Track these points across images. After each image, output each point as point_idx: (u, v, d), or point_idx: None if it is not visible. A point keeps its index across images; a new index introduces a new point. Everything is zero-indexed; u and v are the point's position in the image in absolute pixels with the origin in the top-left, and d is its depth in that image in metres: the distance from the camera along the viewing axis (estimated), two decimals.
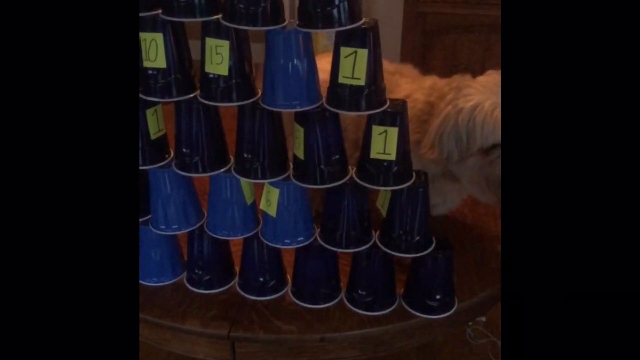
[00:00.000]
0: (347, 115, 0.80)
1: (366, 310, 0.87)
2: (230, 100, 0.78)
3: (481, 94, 0.84)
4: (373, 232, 0.87)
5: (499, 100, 0.83)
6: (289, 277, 0.93)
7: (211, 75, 0.78)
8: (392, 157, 0.78)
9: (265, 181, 0.83)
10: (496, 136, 0.82)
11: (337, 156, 0.81)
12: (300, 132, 0.80)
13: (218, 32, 0.75)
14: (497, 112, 0.82)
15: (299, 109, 0.78)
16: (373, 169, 0.80)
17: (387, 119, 0.78)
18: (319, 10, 0.71)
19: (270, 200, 0.84)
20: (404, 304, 0.89)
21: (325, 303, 0.89)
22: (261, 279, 0.90)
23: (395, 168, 0.79)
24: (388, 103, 0.78)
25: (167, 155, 0.88)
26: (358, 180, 0.81)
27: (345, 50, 0.74)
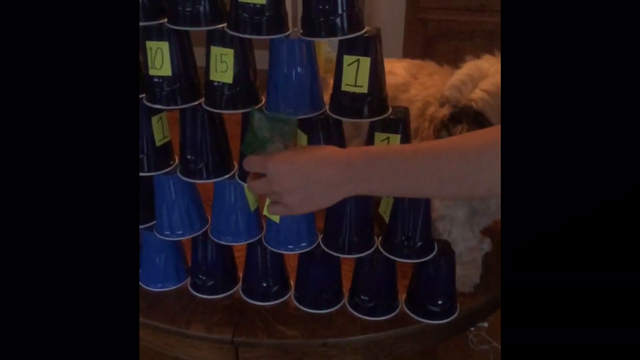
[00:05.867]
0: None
1: (368, 315, 0.88)
2: (235, 108, 0.79)
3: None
4: (375, 237, 0.88)
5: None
6: (292, 283, 0.94)
7: (216, 83, 0.79)
8: None
9: None
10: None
11: None
12: (303, 139, 0.81)
13: (223, 40, 0.77)
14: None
15: (302, 116, 0.79)
16: None
17: (389, 126, 0.79)
18: (322, 19, 0.72)
19: None
20: (406, 309, 0.89)
21: (328, 308, 0.90)
22: (264, 285, 0.91)
23: None
24: (390, 110, 0.79)
25: (171, 162, 0.89)
26: None
27: (348, 59, 0.75)
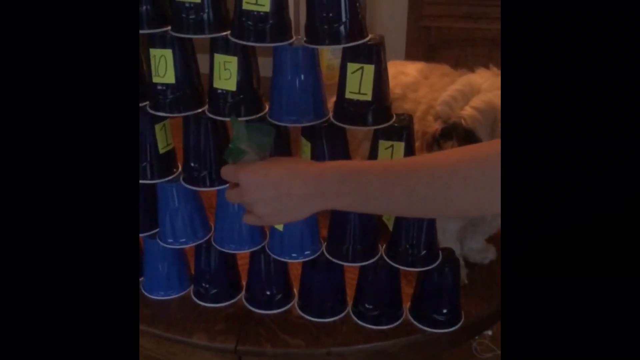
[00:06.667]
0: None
1: (373, 324, 0.87)
2: (238, 115, 0.79)
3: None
4: (379, 245, 0.87)
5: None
6: (295, 291, 0.93)
7: (219, 91, 0.79)
8: None
9: None
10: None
11: None
12: (307, 146, 0.81)
13: (226, 48, 0.76)
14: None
15: (306, 124, 0.79)
16: None
17: (393, 134, 0.78)
18: (326, 27, 0.72)
19: None
20: (410, 317, 0.89)
21: (331, 317, 0.89)
22: (268, 293, 0.90)
23: None
24: (394, 118, 0.79)
25: (175, 170, 0.89)
26: None
27: (352, 66, 0.75)
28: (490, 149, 0.57)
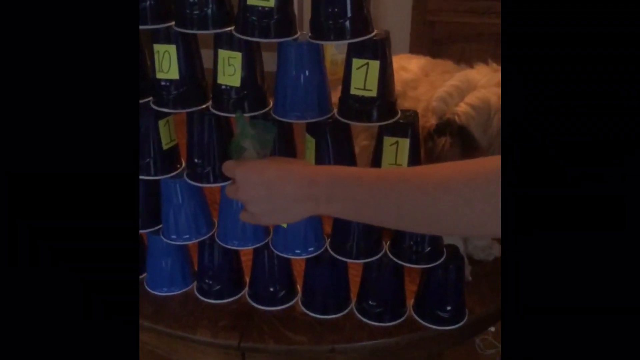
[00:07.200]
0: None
1: (376, 321, 0.87)
2: (242, 111, 0.79)
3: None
4: (383, 242, 0.87)
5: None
6: (299, 288, 0.93)
7: (223, 87, 0.78)
8: None
9: None
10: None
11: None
12: (311, 142, 0.80)
13: (230, 43, 0.76)
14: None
15: (310, 120, 0.78)
16: None
17: (398, 130, 0.78)
18: (331, 22, 0.72)
19: None
20: (414, 315, 0.88)
21: (335, 313, 0.89)
22: (271, 289, 0.90)
23: None
24: (399, 114, 0.78)
25: (178, 166, 0.89)
26: None
27: (357, 62, 0.74)
28: (485, 165, 0.55)
